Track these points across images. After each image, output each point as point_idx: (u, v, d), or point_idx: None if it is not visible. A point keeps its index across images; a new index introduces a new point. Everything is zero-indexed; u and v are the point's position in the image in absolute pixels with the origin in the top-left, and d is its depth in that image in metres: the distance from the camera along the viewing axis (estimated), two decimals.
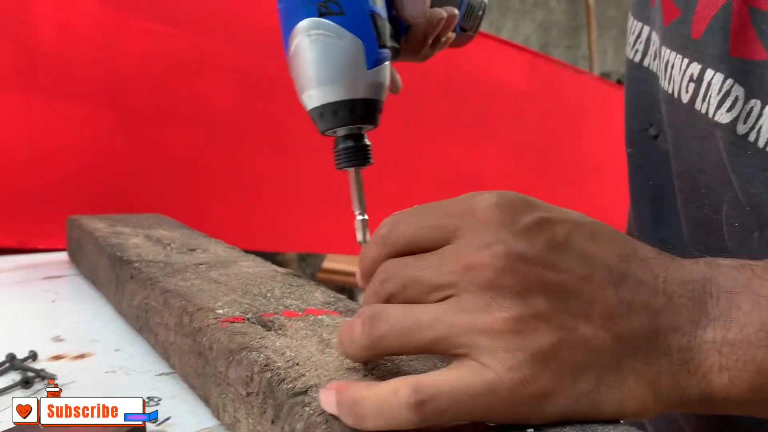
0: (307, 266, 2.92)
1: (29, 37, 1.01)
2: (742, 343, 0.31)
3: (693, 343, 0.32)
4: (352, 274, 3.02)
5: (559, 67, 1.60)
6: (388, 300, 0.34)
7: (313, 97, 0.42)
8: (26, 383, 0.50)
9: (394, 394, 0.30)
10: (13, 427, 0.38)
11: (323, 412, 0.33)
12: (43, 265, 0.88)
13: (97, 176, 1.09)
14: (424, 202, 0.43)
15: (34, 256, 0.94)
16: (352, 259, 3.21)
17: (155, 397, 0.48)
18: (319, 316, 0.47)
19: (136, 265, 0.60)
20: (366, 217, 0.43)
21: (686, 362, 0.32)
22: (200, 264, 0.61)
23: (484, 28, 0.64)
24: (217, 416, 0.43)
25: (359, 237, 0.43)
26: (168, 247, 0.68)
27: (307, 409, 0.34)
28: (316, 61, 0.40)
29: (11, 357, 0.54)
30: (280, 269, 0.61)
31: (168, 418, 0.45)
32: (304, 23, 0.40)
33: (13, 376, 0.51)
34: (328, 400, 0.33)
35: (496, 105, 1.49)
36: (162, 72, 1.11)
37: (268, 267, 0.62)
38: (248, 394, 0.38)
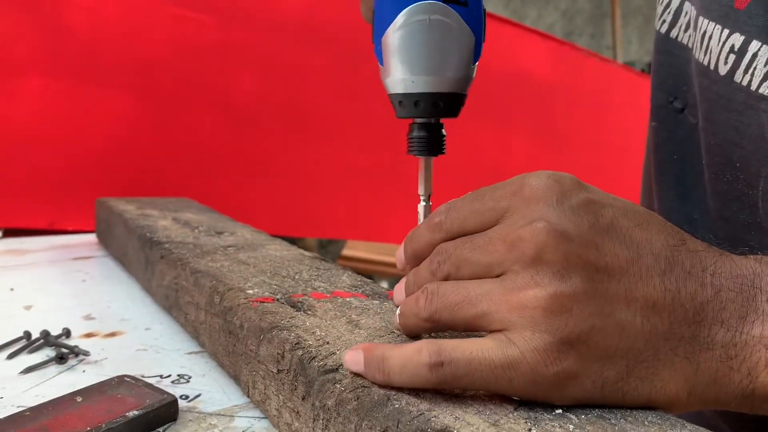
0: (327, 253, 2.94)
1: (60, 22, 1.02)
2: None
3: (738, 339, 0.31)
4: (372, 262, 3.04)
5: (585, 55, 1.58)
6: (445, 280, 0.35)
7: (415, 83, 0.39)
8: (61, 359, 0.51)
9: (417, 353, 0.32)
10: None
11: (354, 389, 0.33)
12: (73, 246, 0.89)
13: (123, 160, 1.10)
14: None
15: (63, 237, 0.96)
16: (371, 246, 3.22)
17: (185, 375, 0.49)
18: (347, 299, 0.47)
19: (166, 245, 0.62)
20: (430, 203, 0.43)
21: (730, 358, 0.31)
22: (228, 246, 0.62)
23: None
24: (247, 394, 0.44)
25: (421, 221, 0.43)
26: (196, 230, 0.69)
27: (338, 386, 0.34)
28: (430, 47, 0.38)
29: (45, 333, 0.55)
30: (307, 253, 0.61)
31: (198, 395, 0.46)
32: (427, 4, 0.38)
33: (48, 352, 0.53)
34: (354, 359, 0.34)
35: (521, 93, 1.48)
36: (189, 58, 1.12)
37: (294, 251, 0.62)
38: (279, 372, 0.39)
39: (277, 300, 0.46)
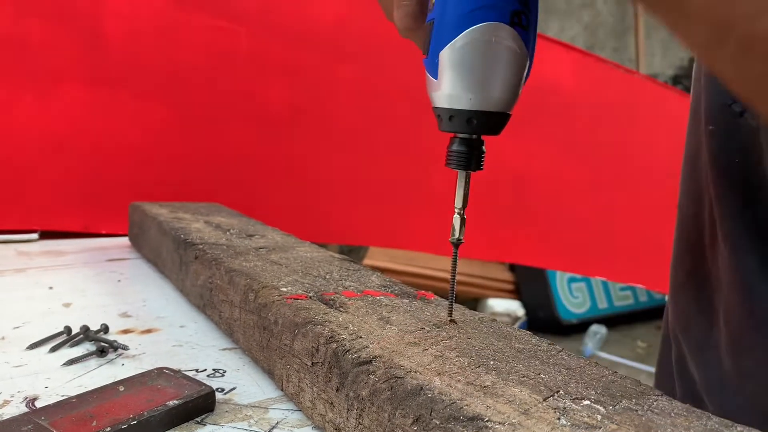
0: None
1: (97, 31, 1.06)
2: None
3: None
4: (393, 271, 3.05)
5: (609, 66, 1.59)
6: None
7: (472, 100, 0.40)
8: (101, 352, 0.53)
9: None
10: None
11: (388, 379, 0.35)
12: (107, 248, 0.92)
13: (155, 166, 1.13)
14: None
15: (97, 239, 0.99)
16: (392, 256, 3.23)
17: (220, 369, 0.51)
18: (377, 297, 0.49)
19: (201, 246, 0.63)
20: (465, 216, 0.43)
21: None
22: (260, 248, 0.64)
23: None
24: (281, 387, 0.46)
25: (455, 234, 0.43)
26: (228, 233, 0.71)
27: (372, 377, 0.36)
28: (493, 67, 0.39)
29: (85, 329, 0.57)
30: (337, 255, 0.63)
31: (233, 388, 0.47)
32: (494, 25, 0.38)
33: (88, 346, 0.55)
34: None
35: (544, 103, 1.49)
36: (221, 66, 1.15)
37: (324, 253, 0.64)
38: (313, 365, 0.41)
39: (310, 297, 0.48)
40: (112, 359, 0.53)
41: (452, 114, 0.41)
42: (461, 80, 0.40)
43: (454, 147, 0.42)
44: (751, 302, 0.51)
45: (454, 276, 0.45)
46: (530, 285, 3.58)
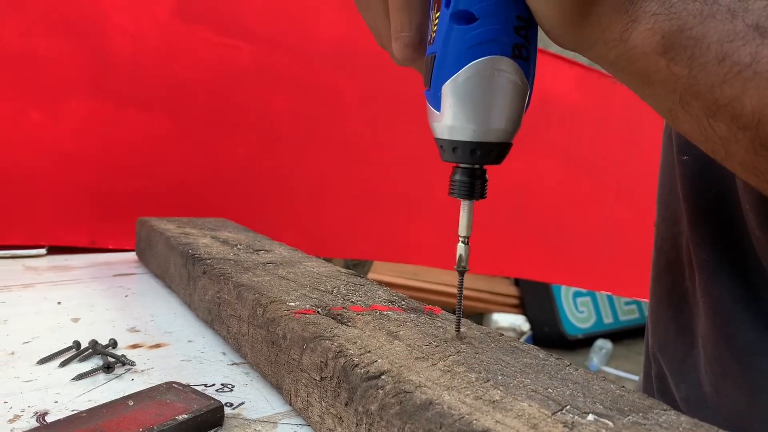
0: None
1: (104, 47, 1.07)
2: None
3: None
4: (397, 286, 3.05)
5: (612, 81, 1.60)
6: None
7: (476, 132, 0.40)
8: (108, 368, 0.53)
9: None
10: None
11: (397, 394, 0.35)
12: (114, 263, 0.93)
13: (161, 181, 1.14)
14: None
15: (104, 255, 0.99)
16: (396, 270, 3.23)
17: (229, 384, 0.51)
18: (385, 312, 0.49)
19: (208, 261, 0.64)
20: (468, 245, 0.43)
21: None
22: (267, 263, 0.64)
23: None
24: (289, 402, 0.46)
25: (461, 263, 0.44)
26: (235, 248, 0.72)
27: (380, 391, 0.36)
28: (497, 100, 0.39)
29: (93, 343, 0.58)
30: (343, 270, 0.63)
31: (242, 403, 0.48)
32: (497, 59, 0.39)
33: (97, 361, 0.55)
34: None
35: (548, 119, 1.49)
36: (226, 82, 1.16)
37: (331, 267, 0.64)
38: (322, 379, 0.41)
39: (318, 312, 0.48)
40: (121, 374, 0.53)
41: (455, 145, 0.41)
42: (464, 113, 0.40)
43: (458, 177, 0.42)
44: (727, 330, 0.51)
45: (460, 301, 0.45)
46: (535, 300, 3.58)
